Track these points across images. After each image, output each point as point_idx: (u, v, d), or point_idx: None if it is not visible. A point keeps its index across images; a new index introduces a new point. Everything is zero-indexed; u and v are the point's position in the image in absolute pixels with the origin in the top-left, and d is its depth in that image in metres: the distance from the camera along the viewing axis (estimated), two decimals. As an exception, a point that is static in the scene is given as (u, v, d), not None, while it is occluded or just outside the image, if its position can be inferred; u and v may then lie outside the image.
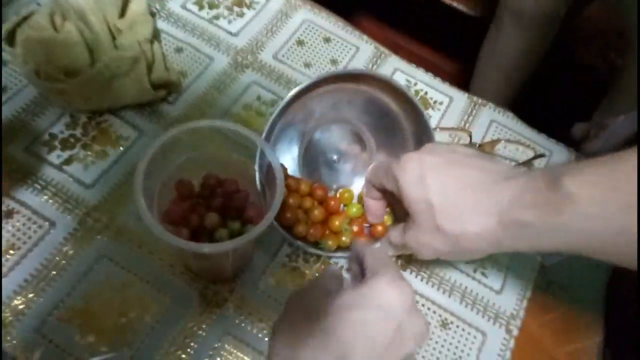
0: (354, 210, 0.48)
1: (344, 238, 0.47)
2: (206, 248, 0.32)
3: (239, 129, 0.37)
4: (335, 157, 0.51)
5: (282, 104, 0.44)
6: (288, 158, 0.50)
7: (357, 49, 0.63)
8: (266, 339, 0.44)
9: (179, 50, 0.58)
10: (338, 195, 0.49)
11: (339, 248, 0.47)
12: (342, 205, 0.49)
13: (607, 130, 0.86)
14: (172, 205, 0.39)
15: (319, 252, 0.46)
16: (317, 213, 0.46)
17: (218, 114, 0.55)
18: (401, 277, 0.32)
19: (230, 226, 0.39)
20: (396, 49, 1.46)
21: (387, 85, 0.46)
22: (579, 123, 0.87)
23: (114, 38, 0.52)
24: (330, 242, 0.46)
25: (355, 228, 0.47)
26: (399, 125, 0.49)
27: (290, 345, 0.30)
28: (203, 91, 0.56)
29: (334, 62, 0.61)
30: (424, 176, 0.36)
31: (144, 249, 0.46)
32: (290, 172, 0.49)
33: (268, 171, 0.37)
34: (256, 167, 0.41)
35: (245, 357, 0.43)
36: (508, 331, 0.48)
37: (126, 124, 0.52)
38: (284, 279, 0.47)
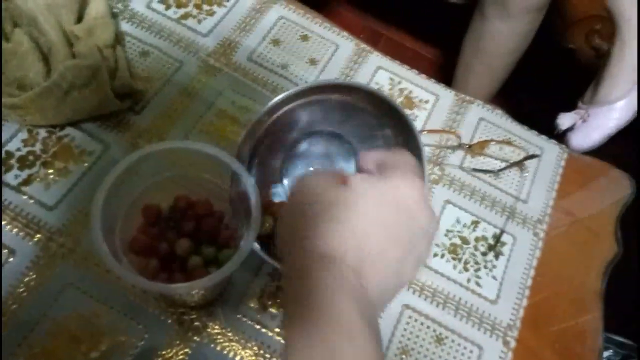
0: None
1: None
2: (177, 290, 0.29)
3: (209, 151, 0.33)
4: (319, 169, 0.48)
5: (256, 116, 0.41)
6: (269, 169, 0.46)
7: (336, 46, 0.59)
8: (250, 366, 0.41)
9: (144, 54, 0.54)
10: None
11: None
12: None
13: (590, 120, 0.84)
14: (138, 233, 0.35)
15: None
16: None
17: (189, 121, 0.51)
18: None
19: (205, 252, 0.36)
20: (377, 38, 1.42)
21: (371, 95, 0.43)
22: (563, 113, 0.85)
23: (71, 45, 0.48)
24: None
25: None
26: (385, 134, 0.46)
27: (298, 233, 0.28)
28: (172, 98, 0.52)
29: (312, 61, 0.58)
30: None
31: (114, 274, 0.42)
32: (271, 183, 0.45)
33: (243, 193, 0.34)
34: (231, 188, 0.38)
35: (228, 389, 0.40)
36: (505, 343, 0.46)
37: (90, 137, 0.48)
38: (266, 301, 0.44)
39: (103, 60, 0.48)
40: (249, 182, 0.33)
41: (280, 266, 0.30)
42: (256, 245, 0.38)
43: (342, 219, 0.28)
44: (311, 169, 0.48)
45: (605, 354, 0.86)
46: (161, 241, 0.36)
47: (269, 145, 0.45)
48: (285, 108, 0.43)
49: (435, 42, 1.37)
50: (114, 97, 0.48)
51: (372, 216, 0.28)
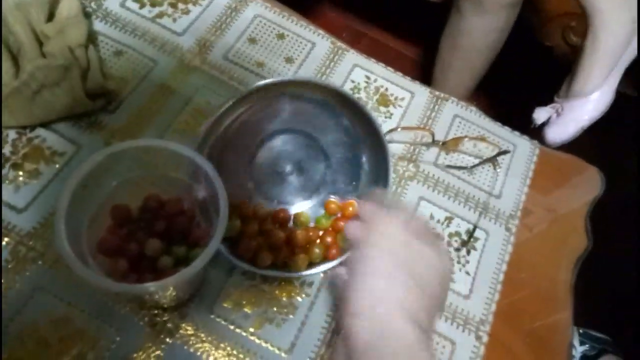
0: (323, 221, 0.45)
1: (316, 250, 0.44)
2: (142, 289, 0.29)
3: (178, 149, 0.33)
4: (288, 169, 0.48)
5: (219, 112, 0.41)
6: (237, 167, 0.46)
7: (313, 45, 0.60)
8: (224, 366, 0.41)
9: (118, 53, 0.54)
10: (292, 218, 0.47)
11: (310, 265, 0.44)
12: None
13: (565, 114, 0.85)
14: (106, 233, 0.35)
15: (289, 274, 0.43)
16: (280, 235, 0.43)
17: (164, 121, 0.51)
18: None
19: (175, 252, 0.36)
20: (359, 37, 1.42)
21: (339, 94, 0.43)
22: (539, 107, 0.86)
23: (41, 45, 0.47)
24: (299, 262, 0.43)
25: (328, 239, 0.44)
26: (353, 135, 0.46)
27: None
28: (147, 98, 0.52)
29: (289, 60, 0.58)
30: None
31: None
32: (240, 181, 0.45)
33: (212, 192, 0.34)
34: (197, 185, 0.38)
35: (202, 389, 0.40)
36: (478, 338, 0.46)
37: (61, 138, 0.48)
38: (240, 301, 0.44)
39: (74, 60, 0.47)
40: (217, 181, 0.33)
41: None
42: (222, 247, 0.38)
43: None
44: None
45: (581, 349, 0.87)
46: (130, 242, 0.35)
47: (237, 142, 0.45)
48: (253, 103, 0.43)
49: (417, 42, 1.38)
50: (86, 97, 0.47)
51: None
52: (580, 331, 0.91)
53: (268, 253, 0.41)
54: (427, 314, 0.32)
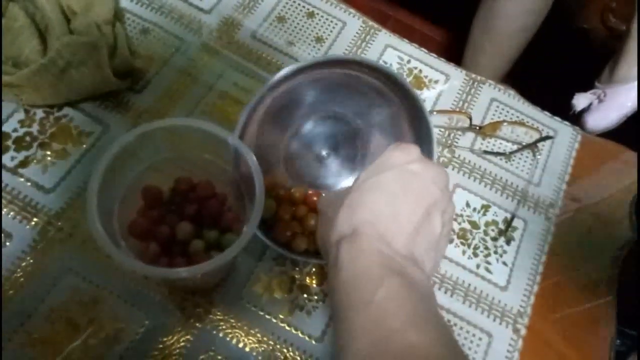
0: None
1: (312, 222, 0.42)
2: (177, 274, 0.27)
3: (211, 129, 0.32)
4: (324, 152, 0.46)
5: (260, 92, 0.39)
6: (272, 151, 0.45)
7: (343, 24, 0.57)
8: (254, 353, 0.40)
9: (145, 31, 0.52)
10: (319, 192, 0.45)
11: None
12: None
13: (607, 100, 0.82)
14: (138, 216, 0.34)
15: (321, 261, 0.41)
16: (314, 222, 0.41)
17: (191, 102, 0.49)
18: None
19: (207, 236, 0.35)
20: (384, 20, 1.39)
21: (379, 72, 0.41)
22: (579, 93, 0.83)
23: (68, 21, 0.46)
24: (301, 243, 0.41)
25: None
26: (395, 114, 0.44)
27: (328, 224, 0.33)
28: (174, 78, 0.50)
29: (319, 39, 0.56)
30: None
31: (114, 259, 0.41)
32: (274, 166, 0.44)
33: (246, 175, 0.32)
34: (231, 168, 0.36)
35: (231, 375, 0.39)
36: (515, 331, 0.45)
37: (89, 117, 0.47)
38: (270, 287, 0.43)
39: (101, 37, 0.46)
40: (253, 163, 0.32)
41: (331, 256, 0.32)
42: (257, 230, 0.37)
43: (354, 204, 0.31)
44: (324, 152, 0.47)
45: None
46: (162, 225, 0.34)
47: (271, 126, 0.44)
48: (287, 86, 0.41)
49: (443, 24, 1.33)
50: (113, 75, 0.46)
51: (379, 190, 0.32)
52: (621, 328, 0.88)
53: (303, 238, 0.39)
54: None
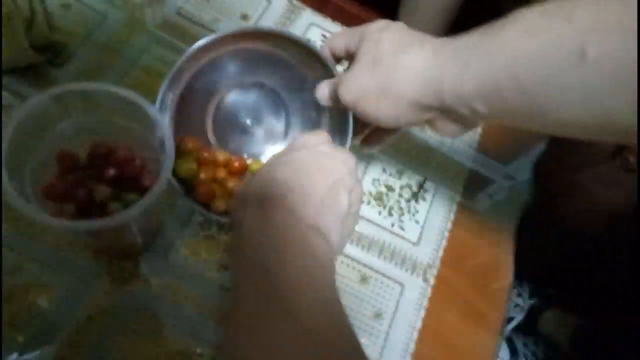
0: (254, 167, 0.46)
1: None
2: (85, 225, 0.29)
3: (124, 93, 0.33)
4: (248, 121, 0.48)
5: (180, 62, 0.40)
6: (198, 118, 0.46)
7: (269, 2, 0.59)
8: (184, 313, 0.42)
9: (65, 6, 0.52)
10: (249, 163, 0.47)
11: None
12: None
13: None
14: (54, 179, 0.35)
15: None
16: (233, 185, 0.43)
17: (115, 76, 0.50)
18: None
19: (125, 198, 0.36)
20: (322, 3, 1.41)
21: (300, 45, 0.43)
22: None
23: (-21, -8, 0.45)
24: (218, 204, 0.42)
25: None
26: (310, 83, 0.47)
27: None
28: (97, 52, 0.51)
29: (244, 17, 0.58)
30: (388, 25, 0.37)
31: (36, 227, 0.42)
32: (199, 132, 0.46)
33: (160, 139, 0.34)
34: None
35: (158, 332, 0.41)
36: (425, 280, 0.49)
37: (5, 91, 0.47)
38: (197, 249, 0.45)
39: (16, 9, 0.46)
40: (164, 124, 0.33)
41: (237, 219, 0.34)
42: (178, 187, 0.39)
43: (267, 183, 0.34)
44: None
45: (530, 301, 0.93)
46: (78, 188, 0.35)
47: (197, 95, 0.45)
48: (209, 57, 0.43)
49: (382, 10, 1.38)
50: (30, 48, 0.46)
51: (291, 167, 0.34)
52: (531, 286, 0.96)
53: (222, 200, 0.42)
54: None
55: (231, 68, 0.46)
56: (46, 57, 0.48)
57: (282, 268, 0.29)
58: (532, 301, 0.91)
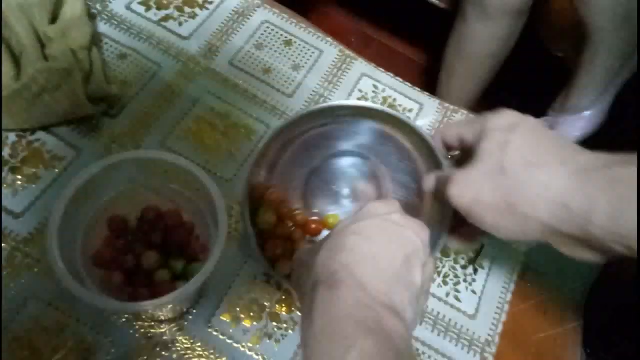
0: (330, 220, 0.44)
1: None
2: (138, 307, 0.28)
3: (176, 161, 0.32)
4: (346, 191, 0.46)
5: (280, 125, 0.40)
6: (294, 175, 0.44)
7: (320, 52, 0.58)
8: (220, 382, 0.40)
9: (122, 56, 0.53)
10: (322, 219, 0.45)
11: None
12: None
13: (557, 129, 0.84)
14: (103, 245, 0.34)
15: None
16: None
17: (167, 127, 0.50)
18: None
19: (173, 266, 0.35)
20: (367, 42, 1.41)
21: (396, 120, 0.42)
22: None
23: (43, 47, 0.46)
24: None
25: None
26: (414, 164, 0.43)
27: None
28: (150, 103, 0.51)
29: (295, 67, 0.57)
30: (517, 124, 0.33)
31: (81, 287, 0.41)
32: (288, 187, 0.44)
33: (211, 208, 0.33)
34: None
35: (197, 406, 0.39)
36: (483, 359, 0.45)
37: (62, 142, 0.47)
38: (239, 315, 0.43)
39: (77, 63, 0.46)
40: (217, 195, 0.32)
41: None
42: (254, 237, 0.37)
43: (334, 247, 0.31)
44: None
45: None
46: (127, 254, 0.34)
47: (292, 159, 0.44)
48: (320, 121, 0.42)
49: (426, 48, 1.36)
50: (88, 100, 0.47)
51: (358, 235, 0.31)
52: (588, 351, 0.89)
53: (287, 262, 0.39)
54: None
55: (334, 134, 0.44)
56: (102, 108, 0.48)
57: (353, 356, 0.26)
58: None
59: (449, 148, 0.40)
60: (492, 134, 0.33)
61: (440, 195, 0.37)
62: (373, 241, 0.31)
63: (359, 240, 0.31)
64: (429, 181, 0.39)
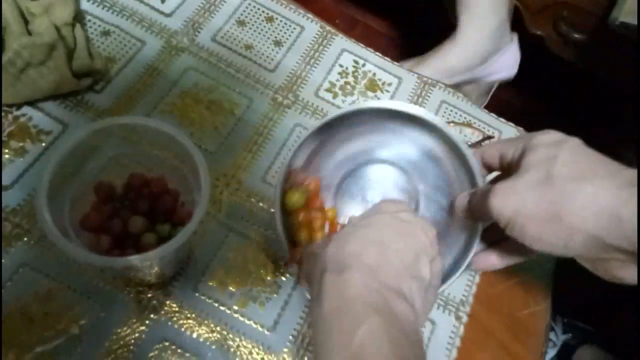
0: (294, 198, 0.42)
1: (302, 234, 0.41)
2: (122, 262, 0.29)
3: (163, 127, 0.34)
4: (376, 200, 0.45)
5: (328, 118, 0.39)
6: (323, 177, 0.44)
7: (301, 28, 0.60)
8: (207, 343, 0.42)
9: (105, 33, 0.54)
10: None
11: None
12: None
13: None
14: (91, 210, 0.35)
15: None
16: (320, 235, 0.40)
17: (151, 102, 0.51)
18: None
19: (159, 230, 0.37)
20: (352, 24, 1.42)
21: (450, 143, 0.40)
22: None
23: (26, 23, 0.47)
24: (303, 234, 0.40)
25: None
26: (452, 186, 0.42)
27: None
28: (134, 78, 0.52)
29: (277, 43, 0.58)
30: (564, 141, 0.32)
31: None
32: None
33: (195, 174, 0.34)
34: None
35: (185, 364, 0.41)
36: (457, 318, 0.47)
37: (48, 117, 0.48)
38: (225, 280, 0.45)
39: (60, 39, 0.47)
40: (200, 160, 0.33)
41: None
42: (278, 216, 0.38)
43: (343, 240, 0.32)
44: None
45: (564, 337, 0.89)
46: (114, 219, 0.36)
47: (332, 154, 0.43)
48: (357, 122, 0.41)
49: (411, 30, 1.37)
50: (73, 76, 0.47)
51: (367, 229, 0.33)
52: (565, 320, 0.92)
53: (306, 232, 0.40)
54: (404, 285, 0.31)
55: (378, 138, 0.43)
56: (86, 83, 0.49)
57: (365, 345, 0.27)
58: (565, 337, 0.87)
59: (488, 168, 0.39)
60: (538, 149, 0.33)
61: (473, 211, 0.37)
62: (382, 234, 0.32)
63: (368, 231, 0.32)
64: (462, 199, 0.38)
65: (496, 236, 0.38)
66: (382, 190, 0.45)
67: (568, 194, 0.30)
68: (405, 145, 0.43)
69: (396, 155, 0.44)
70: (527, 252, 0.36)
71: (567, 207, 0.30)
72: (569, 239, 0.30)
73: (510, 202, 0.32)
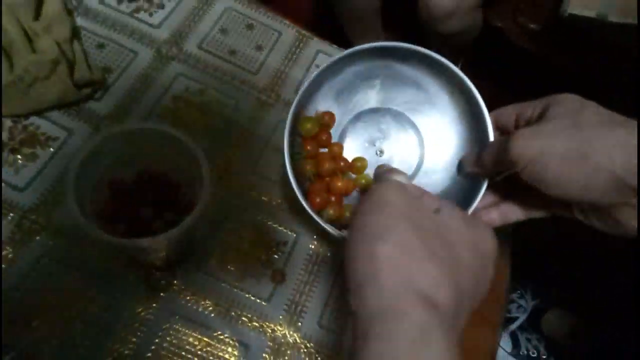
0: (362, 182, 0.46)
1: (347, 214, 0.44)
2: (143, 243, 0.35)
3: (164, 129, 0.39)
4: (383, 148, 0.49)
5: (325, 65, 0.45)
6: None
7: (279, 34, 0.66)
8: (212, 315, 0.48)
9: (100, 46, 0.59)
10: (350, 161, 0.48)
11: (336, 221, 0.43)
12: (352, 175, 0.47)
13: None
14: (106, 203, 0.41)
15: (327, 228, 0.43)
16: (340, 184, 0.44)
17: (147, 107, 0.56)
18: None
19: (166, 217, 0.42)
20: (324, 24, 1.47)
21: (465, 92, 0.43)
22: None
23: (30, 41, 0.52)
24: (331, 212, 0.43)
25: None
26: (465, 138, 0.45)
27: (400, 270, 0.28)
28: (130, 86, 0.57)
29: (258, 48, 0.64)
30: (587, 101, 0.34)
31: (86, 245, 0.48)
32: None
33: (195, 166, 0.40)
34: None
35: (193, 334, 0.47)
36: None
37: (54, 124, 0.53)
38: (224, 259, 0.51)
39: (62, 54, 0.52)
40: (200, 155, 0.39)
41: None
42: (294, 183, 0.42)
43: (444, 260, 0.28)
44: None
45: (534, 302, 0.98)
46: (127, 209, 0.41)
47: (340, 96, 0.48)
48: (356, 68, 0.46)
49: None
50: (74, 87, 0.53)
51: (467, 263, 0.29)
52: (534, 287, 1.01)
53: (334, 207, 0.43)
54: (453, 297, 0.28)
55: (374, 85, 0.48)
56: (87, 93, 0.54)
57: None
58: (534, 302, 0.95)
59: (501, 130, 0.40)
60: (563, 102, 0.33)
61: (485, 163, 0.37)
62: (396, 243, 0.28)
63: (384, 248, 0.28)
64: (472, 154, 0.39)
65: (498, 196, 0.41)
66: (393, 141, 0.48)
67: (598, 136, 0.31)
68: (420, 99, 0.46)
69: (408, 109, 0.48)
70: (528, 208, 0.39)
71: (596, 147, 0.30)
72: (592, 180, 0.30)
73: (536, 143, 0.32)
